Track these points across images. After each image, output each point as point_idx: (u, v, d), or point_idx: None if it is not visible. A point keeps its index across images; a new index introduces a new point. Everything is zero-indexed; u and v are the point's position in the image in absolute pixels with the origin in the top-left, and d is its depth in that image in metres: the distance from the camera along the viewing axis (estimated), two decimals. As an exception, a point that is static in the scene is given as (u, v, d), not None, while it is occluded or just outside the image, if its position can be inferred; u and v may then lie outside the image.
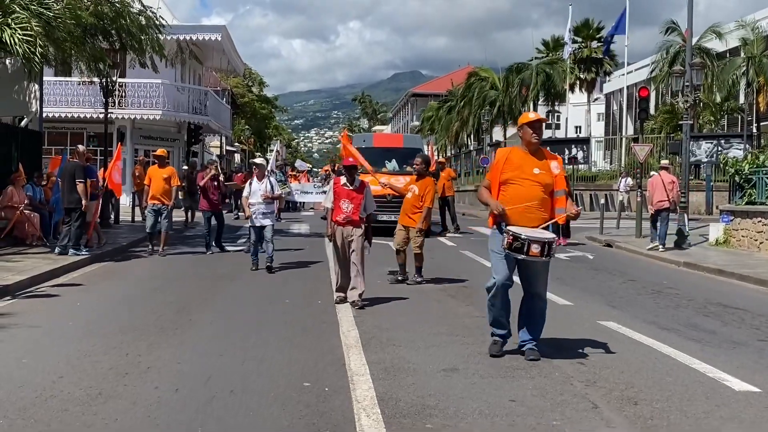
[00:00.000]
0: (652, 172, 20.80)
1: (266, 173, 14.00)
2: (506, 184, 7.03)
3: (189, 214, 24.13)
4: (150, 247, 15.89)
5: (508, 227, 6.82)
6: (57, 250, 14.26)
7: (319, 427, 5.08)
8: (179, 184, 16.86)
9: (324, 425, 5.11)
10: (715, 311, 10.12)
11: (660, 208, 17.62)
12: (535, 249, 6.66)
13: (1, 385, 5.99)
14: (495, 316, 7.24)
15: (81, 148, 15.47)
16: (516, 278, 7.15)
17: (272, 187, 13.64)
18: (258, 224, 13.48)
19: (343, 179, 10.22)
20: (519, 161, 7.07)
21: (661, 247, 17.48)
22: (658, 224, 17.72)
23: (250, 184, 13.61)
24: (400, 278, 12.03)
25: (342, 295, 10.05)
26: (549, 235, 6.84)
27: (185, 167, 31.66)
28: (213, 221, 16.40)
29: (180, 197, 29.35)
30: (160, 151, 16.66)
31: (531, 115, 7.20)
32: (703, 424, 5.27)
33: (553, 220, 7.06)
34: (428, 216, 12.02)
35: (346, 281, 10.04)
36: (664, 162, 20.25)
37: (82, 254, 14.22)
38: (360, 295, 9.80)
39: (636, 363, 7.02)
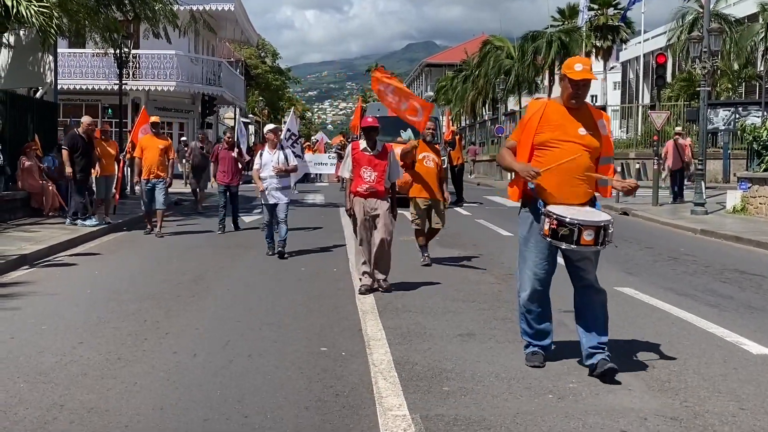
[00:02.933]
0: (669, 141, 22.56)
1: (280, 142, 12.29)
2: (543, 148, 5.42)
3: (197, 196, 19.98)
4: (148, 227, 14.24)
5: (548, 207, 5.28)
6: (67, 221, 14.27)
7: (337, 390, 5.11)
8: (176, 157, 15.41)
9: (342, 388, 5.14)
10: (732, 277, 10.08)
11: (675, 168, 21.22)
12: (587, 236, 5.15)
13: (22, 350, 6.06)
14: (535, 326, 5.66)
15: (86, 119, 14.96)
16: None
17: (287, 158, 11.73)
18: (271, 201, 11.55)
19: (362, 143, 8.83)
20: (559, 119, 5.44)
21: (678, 198, 21.05)
22: (675, 184, 21.65)
23: (261, 155, 11.84)
24: (428, 262, 10.63)
25: (368, 283, 8.60)
26: (603, 216, 5.33)
27: (183, 138, 30.73)
28: (229, 196, 14.84)
29: (178, 169, 28.05)
30: (154, 118, 15.11)
31: (577, 68, 5.37)
32: (720, 386, 5.25)
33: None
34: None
35: (370, 265, 8.69)
36: (678, 129, 24.20)
37: (87, 225, 13.98)
38: (385, 278, 8.68)
39: (653, 327, 7.01)
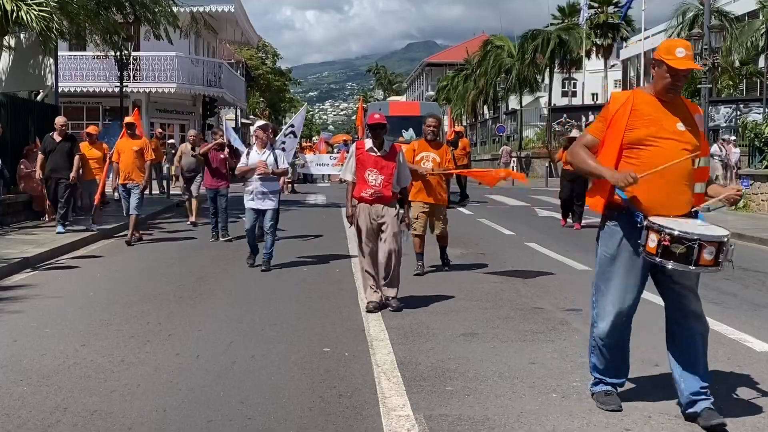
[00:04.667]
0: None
1: (271, 142, 11.08)
2: (636, 148, 4.47)
3: (189, 207, 16.57)
4: (136, 235, 13.25)
5: (652, 219, 4.35)
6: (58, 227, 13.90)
7: (340, 390, 5.11)
8: (153, 158, 14.01)
9: (345, 389, 5.14)
10: (735, 274, 10.02)
11: None
12: (707, 255, 4.22)
13: (25, 353, 6.05)
14: (610, 362, 4.79)
15: (58, 120, 14.17)
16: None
17: (276, 159, 10.51)
18: (256, 206, 10.44)
19: (368, 143, 7.90)
20: (653, 112, 4.50)
21: None
22: None
23: (248, 154, 10.71)
24: (420, 271, 9.88)
25: (375, 300, 7.65)
26: (720, 230, 4.37)
27: (170, 141, 28.71)
28: (220, 201, 13.48)
29: (164, 177, 25.59)
30: (129, 118, 13.86)
31: (679, 54, 4.42)
32: (725, 384, 5.24)
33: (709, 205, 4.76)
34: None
35: (377, 279, 7.79)
36: None
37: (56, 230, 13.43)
38: (395, 295, 7.77)
39: (656, 325, 6.93)
